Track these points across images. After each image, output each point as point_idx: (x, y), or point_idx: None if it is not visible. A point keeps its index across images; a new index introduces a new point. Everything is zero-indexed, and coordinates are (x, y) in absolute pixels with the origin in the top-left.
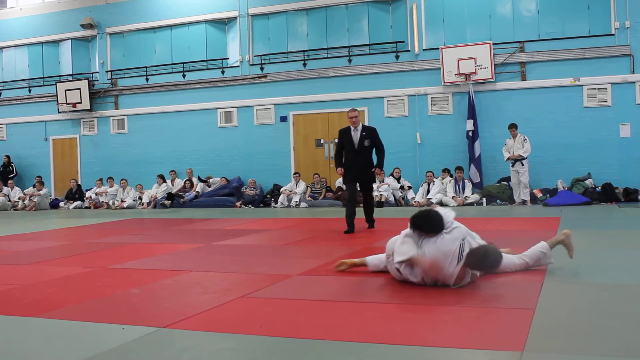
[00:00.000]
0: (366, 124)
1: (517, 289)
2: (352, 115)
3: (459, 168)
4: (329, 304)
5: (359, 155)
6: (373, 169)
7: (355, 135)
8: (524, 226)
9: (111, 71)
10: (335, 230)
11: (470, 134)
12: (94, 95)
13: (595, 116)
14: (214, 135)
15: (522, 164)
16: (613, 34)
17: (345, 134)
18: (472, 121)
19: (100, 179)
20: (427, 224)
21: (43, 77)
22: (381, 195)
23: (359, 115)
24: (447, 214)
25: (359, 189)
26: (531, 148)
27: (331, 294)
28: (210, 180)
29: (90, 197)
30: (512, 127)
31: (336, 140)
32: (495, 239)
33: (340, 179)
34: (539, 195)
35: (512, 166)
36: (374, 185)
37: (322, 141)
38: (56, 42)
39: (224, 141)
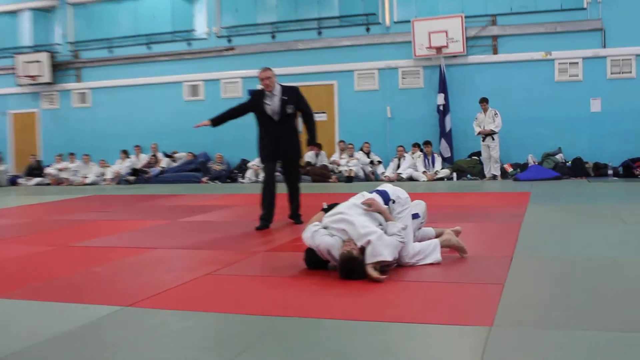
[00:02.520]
0: (336, 98)
1: (486, 264)
2: (263, 76)
3: (427, 143)
4: (295, 280)
5: (279, 127)
6: (309, 147)
7: (273, 101)
8: (494, 201)
9: (73, 43)
10: (304, 204)
11: (441, 108)
12: (56, 67)
13: (567, 90)
14: (179, 109)
15: (493, 139)
16: (585, 8)
17: (257, 99)
18: (443, 95)
19: (60, 155)
20: (353, 274)
21: (0, 49)
22: (350, 170)
23: (273, 75)
24: (397, 192)
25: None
26: (502, 122)
27: (298, 270)
28: (176, 155)
29: (50, 173)
30: (483, 101)
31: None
32: (466, 214)
33: (311, 153)
34: (510, 170)
35: (483, 141)
36: (341, 161)
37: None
38: (14, 12)
39: (190, 115)
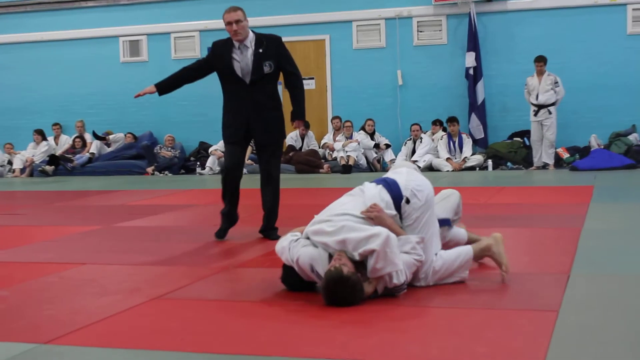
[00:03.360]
0: (328, 59)
1: (534, 284)
2: (230, 19)
3: (453, 119)
4: (271, 307)
5: (252, 94)
6: (293, 121)
7: (244, 57)
8: (544, 198)
9: None
10: (285, 205)
11: (470, 72)
12: None
13: None
14: (114, 74)
15: (550, 113)
16: None
17: (222, 52)
18: (473, 54)
19: None
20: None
21: None
22: (348, 156)
23: (244, 19)
24: (414, 184)
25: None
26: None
27: (274, 292)
28: (111, 137)
29: None
30: (540, 60)
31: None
32: (505, 217)
33: (294, 133)
34: (565, 156)
35: (535, 115)
36: (336, 144)
37: None
38: None
39: (130, 82)
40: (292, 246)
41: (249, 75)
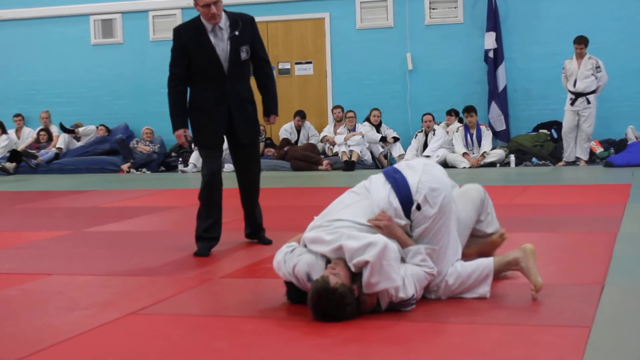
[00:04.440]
0: (328, 41)
1: (564, 297)
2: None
3: (470, 109)
4: (267, 322)
5: (229, 84)
6: (266, 116)
7: (219, 40)
8: (575, 198)
9: None
10: (280, 207)
11: (490, 55)
12: None
13: None
14: (85, 58)
15: (589, 102)
16: None
17: (194, 37)
18: (493, 35)
19: None
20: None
21: None
22: (351, 151)
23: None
24: (428, 186)
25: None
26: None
27: (269, 305)
28: (80, 130)
29: None
30: (581, 42)
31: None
32: (531, 220)
33: (288, 125)
34: (599, 150)
35: (572, 104)
36: (337, 137)
37: None
38: None
39: (102, 67)
40: (288, 258)
41: (226, 63)
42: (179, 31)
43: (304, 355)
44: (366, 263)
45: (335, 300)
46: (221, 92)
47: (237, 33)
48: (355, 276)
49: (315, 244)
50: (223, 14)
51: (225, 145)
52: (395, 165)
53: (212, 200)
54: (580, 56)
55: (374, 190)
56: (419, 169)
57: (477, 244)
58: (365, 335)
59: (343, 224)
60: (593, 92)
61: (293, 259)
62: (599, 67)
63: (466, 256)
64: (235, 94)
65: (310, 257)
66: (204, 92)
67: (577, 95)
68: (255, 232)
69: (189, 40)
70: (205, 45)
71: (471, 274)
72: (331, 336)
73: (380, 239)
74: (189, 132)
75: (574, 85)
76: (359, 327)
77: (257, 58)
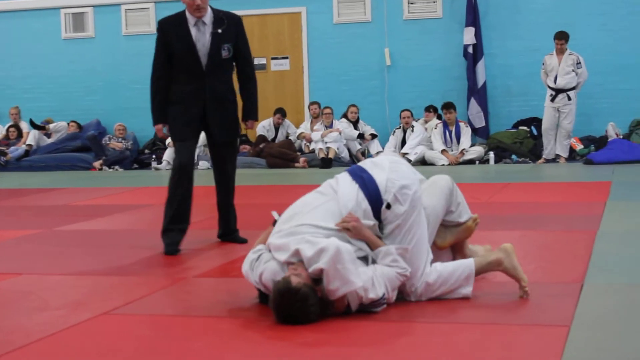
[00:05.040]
0: (305, 35)
1: (543, 295)
2: None
3: (449, 105)
4: (242, 323)
5: (208, 81)
6: (245, 121)
7: (201, 34)
8: (555, 197)
9: None
10: (255, 205)
11: (470, 50)
12: None
13: None
14: (55, 53)
15: (569, 99)
16: None
17: (177, 30)
18: (472, 30)
19: None
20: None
21: None
22: (328, 148)
23: None
24: (398, 183)
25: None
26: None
27: (244, 306)
28: (51, 126)
29: None
30: (561, 38)
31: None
32: (510, 218)
33: (267, 122)
34: (579, 147)
35: (552, 100)
36: (314, 134)
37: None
38: None
39: (73, 62)
40: (255, 266)
41: (205, 59)
42: (162, 23)
43: (281, 355)
44: (322, 271)
45: (299, 301)
46: (198, 88)
47: (220, 30)
48: (317, 279)
49: (279, 252)
50: (209, 10)
51: (204, 142)
52: (360, 164)
53: (179, 192)
54: (560, 52)
55: (341, 191)
56: (386, 167)
57: (453, 233)
58: (340, 336)
59: (308, 230)
60: (573, 88)
61: (260, 266)
62: (579, 63)
63: (442, 248)
64: (213, 91)
65: (275, 264)
66: (183, 87)
67: (558, 91)
68: (228, 233)
69: (171, 32)
70: (186, 37)
71: (452, 273)
72: (304, 337)
73: (331, 243)
74: (161, 134)
75: (555, 81)
76: (334, 328)
77: (240, 59)
